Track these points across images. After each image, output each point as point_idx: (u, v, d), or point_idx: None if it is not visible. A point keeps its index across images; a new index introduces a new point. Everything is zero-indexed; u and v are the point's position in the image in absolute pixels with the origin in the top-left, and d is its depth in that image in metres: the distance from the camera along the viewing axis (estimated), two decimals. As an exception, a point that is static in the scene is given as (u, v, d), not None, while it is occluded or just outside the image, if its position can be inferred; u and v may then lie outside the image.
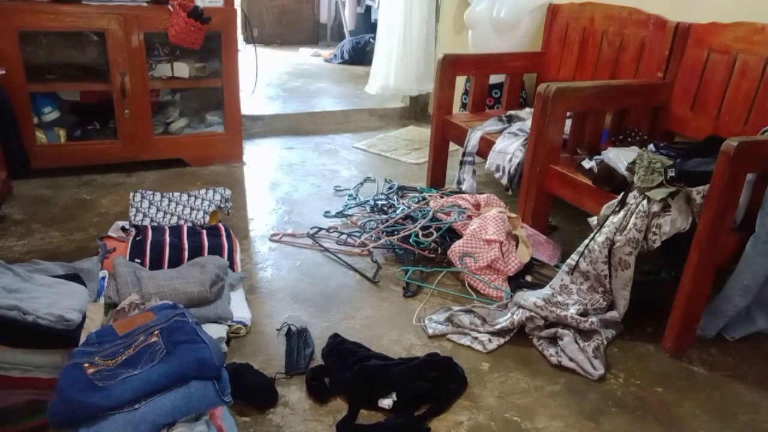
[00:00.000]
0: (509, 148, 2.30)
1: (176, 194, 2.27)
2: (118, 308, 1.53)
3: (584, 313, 1.76)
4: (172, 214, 2.17)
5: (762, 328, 1.80)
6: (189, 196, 2.27)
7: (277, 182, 2.86)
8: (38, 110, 2.69)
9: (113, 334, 1.31)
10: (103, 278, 1.71)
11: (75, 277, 1.64)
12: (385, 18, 3.84)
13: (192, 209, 2.21)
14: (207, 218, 2.16)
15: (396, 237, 2.20)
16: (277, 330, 1.74)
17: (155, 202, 2.22)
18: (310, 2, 6.65)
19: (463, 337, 1.75)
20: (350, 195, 2.68)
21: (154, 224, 2.10)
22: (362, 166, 3.12)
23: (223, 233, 2.03)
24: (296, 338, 1.68)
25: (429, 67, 3.88)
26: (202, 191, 2.30)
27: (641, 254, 1.75)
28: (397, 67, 3.83)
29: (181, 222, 2.12)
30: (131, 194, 2.23)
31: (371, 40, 5.00)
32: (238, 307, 1.75)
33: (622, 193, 1.77)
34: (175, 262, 1.87)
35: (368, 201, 2.56)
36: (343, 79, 4.98)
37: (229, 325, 1.66)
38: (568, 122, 2.16)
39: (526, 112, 2.53)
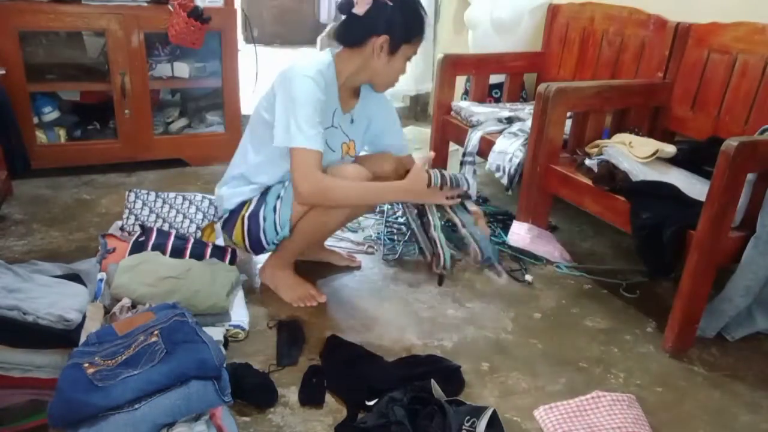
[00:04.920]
0: (509, 148, 2.30)
1: (171, 195, 2.24)
2: (111, 312, 1.53)
3: None
4: (164, 220, 2.14)
5: (762, 328, 1.80)
6: (184, 199, 2.24)
7: (277, 182, 2.86)
8: (38, 110, 2.69)
9: (113, 334, 1.32)
10: (101, 280, 1.71)
11: (75, 277, 1.64)
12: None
13: (185, 217, 2.17)
14: (199, 233, 2.11)
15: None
16: (269, 327, 1.74)
17: (149, 203, 2.19)
18: (310, 2, 6.64)
19: None
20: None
21: (157, 226, 2.08)
22: (362, 166, 3.11)
23: (228, 255, 1.95)
24: (287, 329, 1.70)
25: (428, 66, 3.88)
26: (198, 197, 2.25)
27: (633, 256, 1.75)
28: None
29: (172, 230, 2.06)
30: (126, 193, 2.22)
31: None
32: (237, 311, 1.74)
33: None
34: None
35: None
36: (343, 79, 4.96)
37: (227, 329, 1.66)
38: (568, 122, 2.16)
39: (526, 113, 2.53)
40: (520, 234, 2.23)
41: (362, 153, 1.99)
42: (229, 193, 1.85)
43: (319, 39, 4.65)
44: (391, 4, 1.64)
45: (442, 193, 1.71)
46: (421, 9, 1.72)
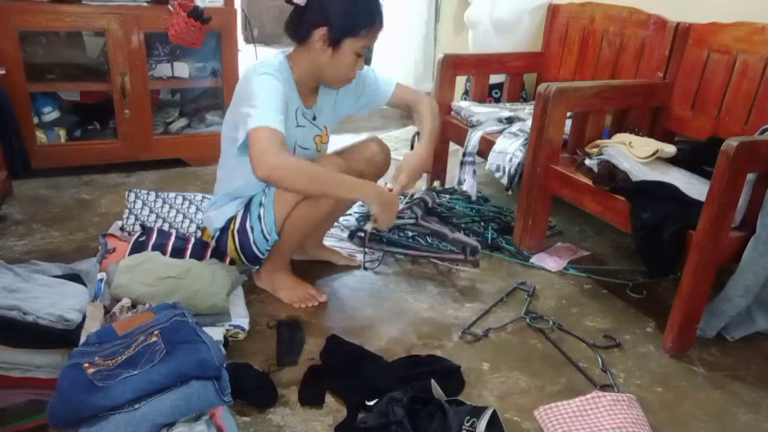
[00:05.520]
0: (509, 148, 2.30)
1: (171, 195, 2.25)
2: (111, 312, 1.53)
3: None
4: (164, 220, 2.14)
5: (762, 329, 1.80)
6: (184, 199, 2.24)
7: (277, 182, 2.86)
8: (38, 110, 2.69)
9: (113, 334, 1.31)
10: (101, 280, 1.71)
11: (75, 277, 1.64)
12: (385, 18, 3.84)
13: (185, 217, 2.17)
14: (199, 233, 2.10)
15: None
16: (269, 327, 1.74)
17: (149, 203, 2.19)
18: (310, 2, 6.63)
19: None
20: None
21: (157, 226, 2.08)
22: (362, 166, 3.11)
23: (228, 255, 1.95)
24: (287, 329, 1.70)
25: (428, 67, 3.88)
26: (198, 197, 2.26)
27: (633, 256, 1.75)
28: (396, 67, 3.83)
29: (172, 230, 2.07)
30: (126, 193, 2.22)
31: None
32: (237, 311, 1.74)
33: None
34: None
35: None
36: (343, 79, 4.96)
37: (227, 329, 1.66)
38: (568, 122, 2.16)
39: (526, 113, 2.53)
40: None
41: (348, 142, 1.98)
42: (216, 213, 1.85)
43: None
44: None
45: (394, 212, 1.75)
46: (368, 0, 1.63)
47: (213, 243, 1.90)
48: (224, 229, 1.83)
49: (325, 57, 1.65)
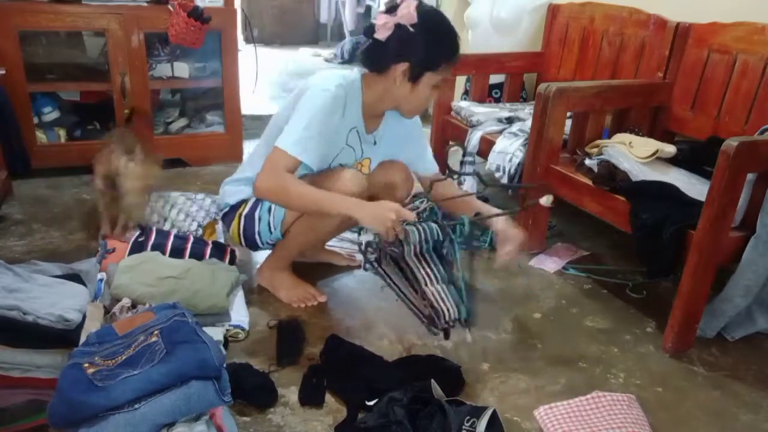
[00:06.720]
0: (509, 148, 2.30)
1: (173, 194, 2.25)
2: (111, 312, 1.53)
3: None
4: (165, 218, 2.14)
5: (762, 328, 1.80)
6: (186, 198, 2.25)
7: (277, 182, 2.85)
8: (38, 110, 2.69)
9: (113, 334, 1.31)
10: (101, 280, 1.71)
11: (75, 277, 1.64)
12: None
13: (187, 215, 2.17)
14: (200, 231, 2.11)
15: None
16: (269, 327, 1.74)
17: (149, 202, 2.20)
18: (310, 2, 6.64)
19: None
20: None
21: (157, 227, 2.08)
22: (362, 166, 3.11)
23: (228, 255, 1.95)
24: (287, 329, 1.70)
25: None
26: (200, 196, 2.25)
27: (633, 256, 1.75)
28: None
29: (174, 230, 2.07)
30: None
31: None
32: (237, 311, 1.74)
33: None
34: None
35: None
36: (343, 79, 4.95)
37: (227, 329, 1.66)
38: (568, 122, 2.16)
39: (526, 113, 2.53)
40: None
41: None
42: (233, 189, 1.87)
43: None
44: (413, 30, 1.57)
45: (386, 220, 1.57)
46: (448, 34, 1.64)
47: (220, 216, 1.93)
48: (234, 208, 1.85)
49: (404, 90, 1.68)
